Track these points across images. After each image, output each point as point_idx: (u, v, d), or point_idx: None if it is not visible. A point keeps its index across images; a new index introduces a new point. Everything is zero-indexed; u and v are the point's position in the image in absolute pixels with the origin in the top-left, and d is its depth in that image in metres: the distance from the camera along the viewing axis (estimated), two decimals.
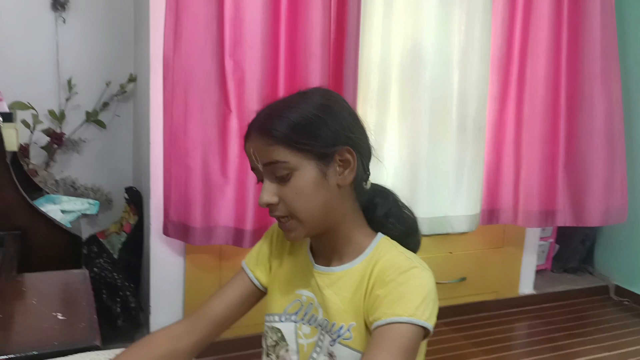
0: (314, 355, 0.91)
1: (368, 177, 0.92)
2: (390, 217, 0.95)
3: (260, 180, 0.88)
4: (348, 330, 0.86)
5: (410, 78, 2.57)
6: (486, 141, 2.76)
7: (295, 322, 0.94)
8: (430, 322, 0.80)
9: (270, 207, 0.87)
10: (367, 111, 2.55)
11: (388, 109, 2.59)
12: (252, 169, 0.89)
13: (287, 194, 0.85)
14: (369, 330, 0.83)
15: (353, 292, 0.88)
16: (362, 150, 0.89)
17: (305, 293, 0.95)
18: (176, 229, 2.21)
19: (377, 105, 2.56)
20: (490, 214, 2.82)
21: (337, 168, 0.86)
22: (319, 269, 0.94)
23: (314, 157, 0.84)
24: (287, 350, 0.94)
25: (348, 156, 0.86)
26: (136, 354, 0.92)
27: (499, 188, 2.80)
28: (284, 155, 0.83)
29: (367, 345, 0.80)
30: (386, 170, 2.51)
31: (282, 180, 0.84)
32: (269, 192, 0.85)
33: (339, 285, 0.90)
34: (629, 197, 2.92)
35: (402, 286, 0.81)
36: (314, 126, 0.84)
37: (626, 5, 3.16)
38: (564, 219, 2.82)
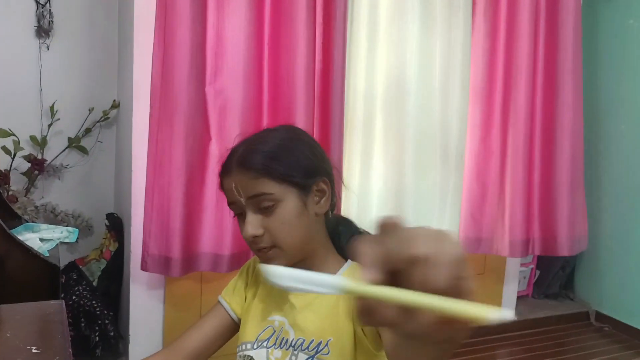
0: None
1: (334, 207, 0.97)
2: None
3: (237, 214, 0.91)
4: (326, 345, 0.89)
5: (395, 108, 2.60)
6: (469, 169, 2.80)
7: (267, 347, 0.96)
8: None
9: (254, 239, 0.89)
10: (354, 140, 2.58)
11: (374, 138, 2.62)
12: (230, 203, 0.92)
13: (273, 224, 0.88)
14: (355, 339, 0.88)
15: (330, 309, 0.92)
16: (331, 180, 0.94)
17: (278, 318, 0.97)
18: (155, 262, 2.19)
19: (363, 134, 2.59)
20: (473, 242, 2.84)
21: (315, 198, 0.91)
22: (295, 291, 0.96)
23: (296, 188, 0.88)
24: None
25: (324, 186, 0.92)
26: None
27: (483, 217, 2.82)
28: (269, 187, 0.87)
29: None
30: (356, 198, 2.56)
31: (266, 211, 0.87)
32: (254, 225, 0.88)
33: (316, 304, 0.93)
34: (604, 225, 2.98)
35: None
36: (295, 158, 0.89)
37: (592, 43, 3.28)
38: (539, 248, 2.88)
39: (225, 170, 0.91)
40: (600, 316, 3.34)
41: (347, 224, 1.03)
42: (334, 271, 0.96)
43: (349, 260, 0.98)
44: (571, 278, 3.61)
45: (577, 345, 3.08)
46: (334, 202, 0.97)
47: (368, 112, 2.59)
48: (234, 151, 0.92)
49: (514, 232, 2.79)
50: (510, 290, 3.18)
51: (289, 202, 0.88)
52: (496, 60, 2.73)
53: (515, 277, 3.19)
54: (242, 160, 0.88)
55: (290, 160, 0.89)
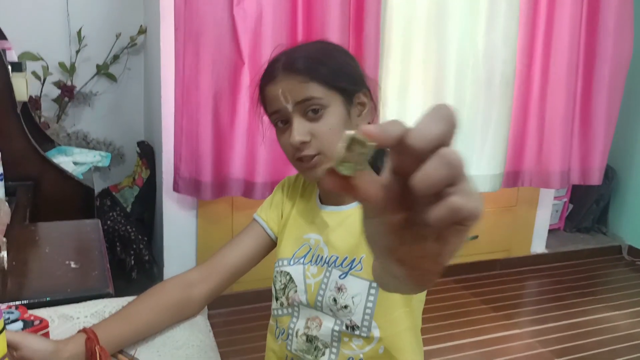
0: (320, 292, 0.93)
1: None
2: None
3: (279, 123, 0.90)
4: (359, 262, 0.90)
5: (435, 31, 2.47)
6: (516, 98, 2.67)
7: (303, 264, 0.97)
8: None
9: (301, 145, 0.88)
10: (390, 65, 2.48)
11: (412, 63, 2.50)
12: (273, 113, 0.90)
13: (321, 130, 0.87)
14: None
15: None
16: (371, 94, 0.94)
17: (313, 236, 0.98)
18: (187, 184, 2.21)
19: (401, 59, 2.48)
20: (514, 175, 2.77)
21: (357, 109, 0.91)
22: (328, 208, 0.97)
23: (342, 96, 0.88)
24: (295, 291, 0.97)
25: (364, 99, 0.92)
26: (148, 301, 0.92)
27: (523, 149, 2.73)
28: (317, 91, 0.86)
29: None
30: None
31: (314, 117, 0.87)
32: (302, 131, 0.87)
33: (349, 222, 0.93)
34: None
35: None
36: (344, 66, 0.90)
37: None
38: (575, 178, 2.83)
39: (269, 78, 0.90)
40: (633, 250, 3.30)
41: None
42: None
43: None
44: (604, 212, 3.55)
45: (607, 278, 3.06)
46: (373, 118, 0.95)
47: (407, 35, 2.46)
48: (276, 59, 0.91)
49: (552, 163, 2.72)
50: (542, 222, 3.14)
51: (335, 108, 0.88)
52: None
53: (547, 208, 3.14)
54: (289, 66, 0.87)
55: (334, 66, 0.89)
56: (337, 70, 0.88)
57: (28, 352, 0.74)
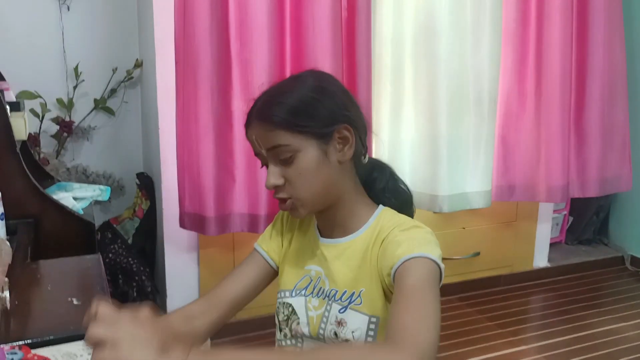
0: (322, 325, 0.94)
1: (366, 152, 0.96)
2: (386, 192, 1.00)
3: (264, 164, 0.93)
4: (359, 296, 0.90)
5: (424, 53, 2.50)
6: (501, 114, 2.70)
7: (305, 296, 0.98)
8: (441, 263, 0.84)
9: (276, 189, 0.90)
10: (382, 89, 2.52)
11: (403, 85, 2.54)
12: (256, 154, 0.93)
13: (292, 175, 0.88)
14: (383, 290, 0.88)
15: (361, 260, 0.92)
16: (358, 126, 0.93)
17: (314, 267, 0.98)
18: (192, 220, 2.21)
19: (392, 82, 2.52)
20: (507, 189, 2.77)
21: (337, 145, 0.90)
22: (326, 241, 0.98)
23: (314, 138, 0.88)
24: (298, 323, 0.97)
25: (346, 133, 0.90)
26: None
27: (517, 163, 2.75)
28: (285, 139, 0.86)
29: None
30: (383, 145, 2.49)
31: (286, 162, 0.88)
32: (275, 175, 0.89)
33: (347, 255, 0.94)
34: (638, 168, 2.91)
35: (407, 233, 0.87)
36: (311, 107, 0.88)
37: None
38: (573, 191, 2.83)
39: (247, 122, 0.92)
40: (635, 260, 3.29)
41: (382, 168, 1.02)
42: (363, 217, 0.95)
43: (381, 206, 0.97)
44: (605, 223, 3.55)
45: (612, 290, 3.05)
46: (365, 147, 0.95)
47: (397, 59, 2.50)
48: (254, 103, 0.92)
49: (552, 177, 2.72)
50: (543, 236, 3.14)
51: (307, 152, 0.87)
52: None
53: (548, 222, 3.14)
54: (260, 113, 0.89)
55: (307, 112, 0.87)
56: (309, 116, 0.87)
57: None
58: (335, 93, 0.92)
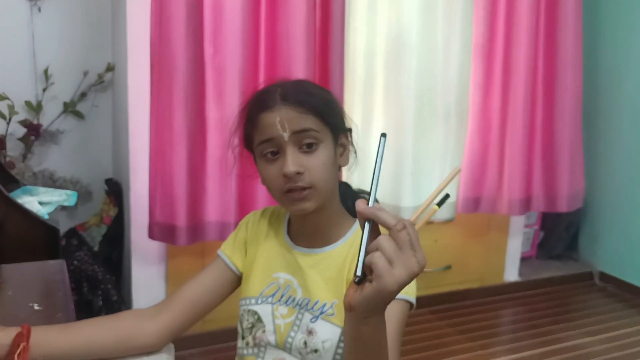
0: (292, 334, 0.92)
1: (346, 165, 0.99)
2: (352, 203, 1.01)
3: (269, 152, 0.88)
4: (331, 307, 0.90)
5: (395, 66, 2.53)
6: (470, 129, 2.75)
7: (272, 303, 0.96)
8: (415, 297, 0.87)
9: (295, 176, 0.86)
10: (354, 99, 2.53)
11: (374, 97, 2.57)
12: (265, 140, 0.89)
13: (314, 164, 0.88)
14: None
15: (337, 272, 0.91)
16: (351, 137, 0.99)
17: (283, 275, 0.97)
18: (162, 230, 2.16)
19: (364, 93, 2.54)
20: (473, 202, 2.81)
21: (339, 149, 0.94)
22: (301, 250, 0.96)
23: (332, 134, 0.91)
24: (263, 331, 0.95)
25: (345, 140, 0.95)
26: (95, 320, 0.93)
27: (483, 176, 2.79)
28: (315, 124, 0.88)
29: None
30: (356, 157, 2.50)
31: (308, 149, 0.88)
32: (296, 162, 0.87)
33: (323, 266, 0.93)
34: (606, 185, 3.03)
35: None
36: (333, 107, 0.93)
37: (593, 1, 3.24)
38: (538, 205, 2.88)
39: (264, 106, 0.89)
40: (604, 276, 3.34)
41: (347, 185, 1.05)
42: (343, 229, 0.96)
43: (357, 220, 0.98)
44: (575, 239, 3.60)
45: (581, 304, 3.08)
46: (348, 160, 0.99)
47: (368, 71, 2.53)
48: (271, 89, 0.91)
49: (513, 191, 2.77)
50: (514, 250, 3.16)
51: (327, 145, 0.89)
52: (497, 18, 2.66)
53: (518, 236, 3.17)
54: (292, 97, 0.89)
55: (334, 109, 0.93)
56: (329, 108, 0.91)
57: None
58: (339, 105, 0.97)
